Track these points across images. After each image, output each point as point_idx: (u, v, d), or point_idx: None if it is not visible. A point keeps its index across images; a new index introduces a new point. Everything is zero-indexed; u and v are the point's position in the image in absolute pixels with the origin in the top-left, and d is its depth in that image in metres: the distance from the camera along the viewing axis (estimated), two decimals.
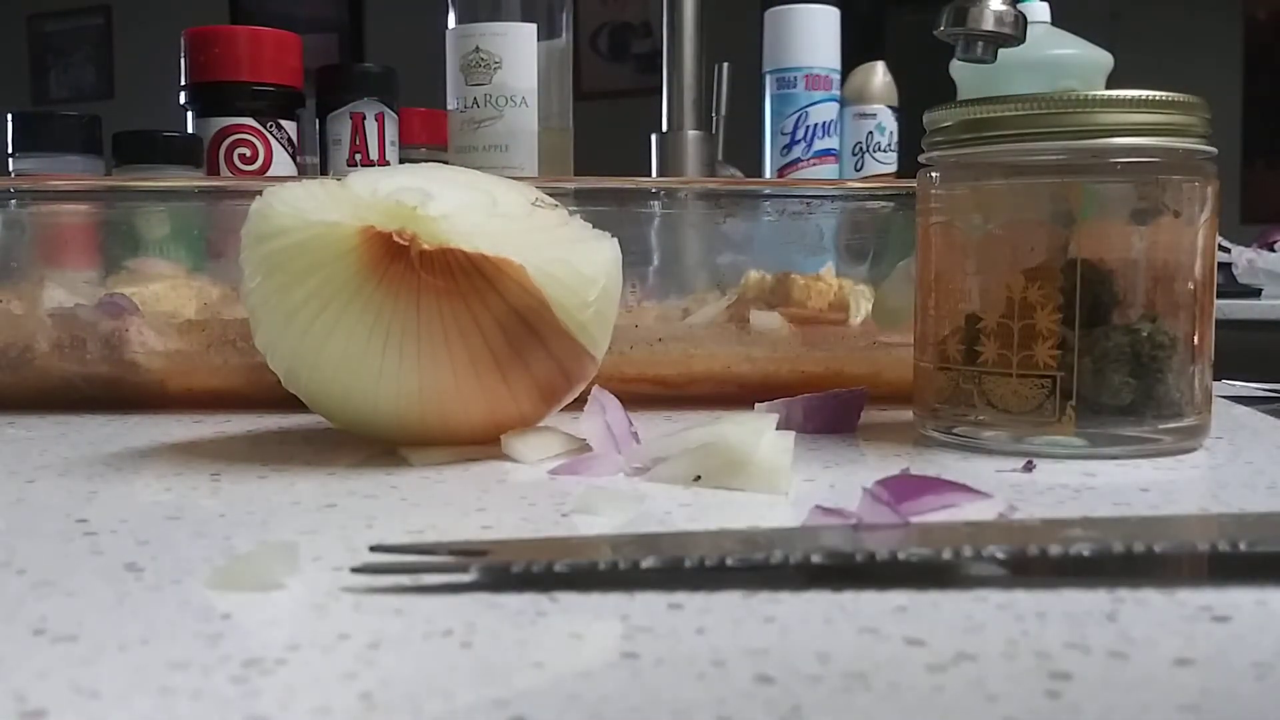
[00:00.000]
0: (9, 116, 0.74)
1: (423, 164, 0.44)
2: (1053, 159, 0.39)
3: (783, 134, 0.89)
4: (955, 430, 0.41)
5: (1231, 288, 1.64)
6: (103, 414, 0.49)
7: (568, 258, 0.38)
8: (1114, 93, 0.38)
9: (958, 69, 0.89)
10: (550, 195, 0.42)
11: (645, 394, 0.51)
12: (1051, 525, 0.28)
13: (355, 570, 0.25)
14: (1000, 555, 0.25)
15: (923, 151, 0.42)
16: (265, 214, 0.37)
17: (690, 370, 0.52)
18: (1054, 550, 0.25)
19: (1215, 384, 0.41)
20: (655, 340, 0.52)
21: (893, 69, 0.99)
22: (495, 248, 0.36)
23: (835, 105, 0.91)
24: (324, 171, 0.72)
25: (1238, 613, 0.23)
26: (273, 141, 0.68)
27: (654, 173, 0.86)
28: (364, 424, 0.39)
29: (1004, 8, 0.57)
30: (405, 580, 0.24)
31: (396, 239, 0.36)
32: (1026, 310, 0.39)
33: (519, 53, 0.61)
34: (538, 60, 0.62)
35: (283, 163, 0.69)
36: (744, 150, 0.98)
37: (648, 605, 0.23)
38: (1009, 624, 0.22)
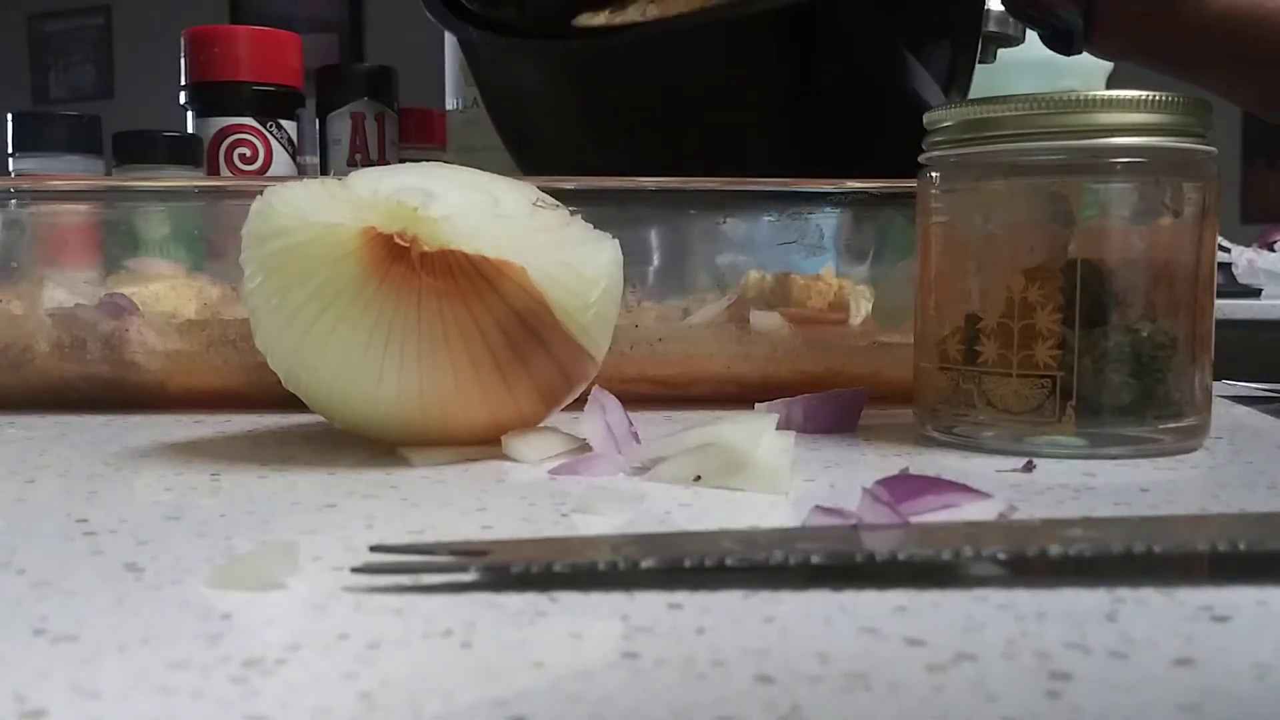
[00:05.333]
0: (9, 116, 0.74)
1: (424, 163, 0.44)
2: (1053, 159, 0.39)
3: None
4: (955, 430, 0.41)
5: (1231, 288, 1.64)
6: (103, 414, 0.49)
7: (569, 259, 0.38)
8: (1114, 93, 0.38)
9: None
10: (550, 195, 0.42)
11: (645, 394, 0.51)
12: (1051, 525, 0.28)
13: (355, 570, 0.25)
14: (1000, 555, 0.25)
15: (923, 151, 0.43)
16: (266, 214, 0.37)
17: (690, 370, 0.52)
18: (1054, 550, 0.25)
19: (1215, 384, 0.41)
20: (655, 340, 0.52)
21: None
22: (496, 249, 0.36)
23: None
24: (324, 171, 0.72)
25: (1238, 613, 0.23)
26: (273, 141, 0.69)
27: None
28: (364, 424, 0.39)
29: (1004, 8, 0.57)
30: (405, 580, 0.24)
31: (397, 240, 0.36)
32: (1026, 310, 0.39)
33: None
34: None
35: (283, 163, 0.69)
36: None
37: (648, 605, 0.23)
38: (1009, 624, 0.22)
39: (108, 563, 0.26)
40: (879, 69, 0.53)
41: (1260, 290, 1.68)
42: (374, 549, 0.26)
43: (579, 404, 0.40)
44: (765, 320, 0.52)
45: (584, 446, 0.39)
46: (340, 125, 0.71)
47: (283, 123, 0.69)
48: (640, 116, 0.55)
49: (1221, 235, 0.42)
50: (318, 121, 0.73)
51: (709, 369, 0.52)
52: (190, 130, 0.70)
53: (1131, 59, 0.55)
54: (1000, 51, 0.57)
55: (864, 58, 0.53)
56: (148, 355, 0.50)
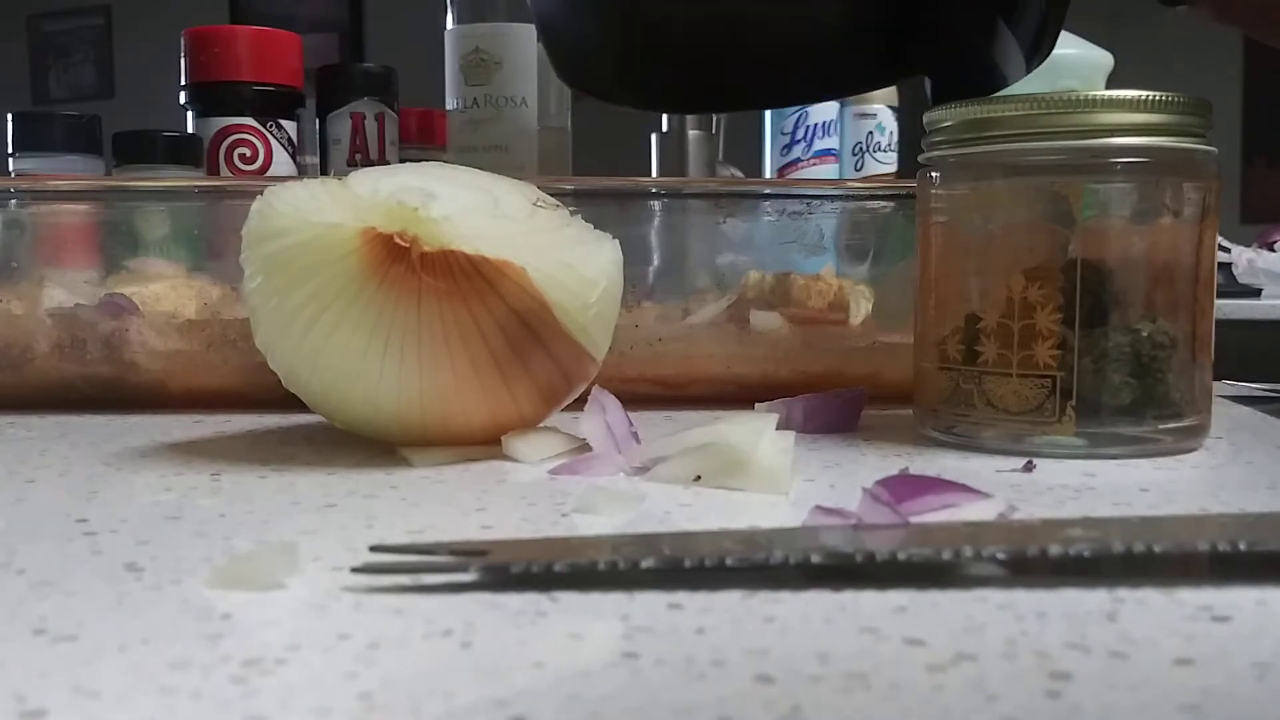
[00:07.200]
0: (9, 116, 0.74)
1: (424, 163, 0.44)
2: (1053, 159, 0.39)
3: (783, 134, 0.89)
4: (955, 430, 0.41)
5: (1231, 288, 1.64)
6: (103, 414, 0.49)
7: (569, 260, 0.38)
8: (1114, 93, 0.38)
9: None
10: (550, 195, 0.42)
11: (645, 394, 0.51)
12: (1051, 525, 0.28)
13: (355, 570, 0.25)
14: (1000, 555, 0.25)
15: (923, 151, 0.42)
16: (266, 214, 0.37)
17: (690, 370, 0.52)
18: (1054, 550, 0.25)
19: (1215, 384, 0.41)
20: (655, 340, 0.52)
21: None
22: (496, 250, 0.36)
23: (835, 105, 0.91)
24: (324, 171, 0.72)
25: (1238, 613, 0.23)
26: (273, 141, 0.68)
27: (654, 173, 0.86)
28: (365, 424, 0.39)
29: None
30: (405, 580, 0.24)
31: (398, 241, 0.36)
32: (1026, 310, 0.39)
33: (518, 53, 0.61)
34: (537, 60, 0.62)
35: (283, 163, 0.69)
36: (744, 150, 0.98)
37: (648, 605, 0.23)
38: (1009, 624, 0.22)
39: (108, 563, 0.26)
40: None
41: (1260, 290, 1.68)
42: (374, 549, 0.26)
43: (579, 404, 0.40)
44: (765, 320, 0.52)
45: (584, 446, 0.39)
46: (340, 125, 0.71)
47: (283, 123, 0.69)
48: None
49: (1221, 235, 0.42)
50: (318, 121, 0.73)
51: (709, 369, 0.52)
52: (190, 130, 0.70)
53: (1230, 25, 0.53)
54: None
55: None
56: (148, 355, 0.50)
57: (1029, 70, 0.49)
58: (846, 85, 0.55)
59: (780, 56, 0.50)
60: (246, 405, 0.50)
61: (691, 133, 0.85)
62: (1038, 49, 0.49)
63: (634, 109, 0.57)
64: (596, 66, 0.55)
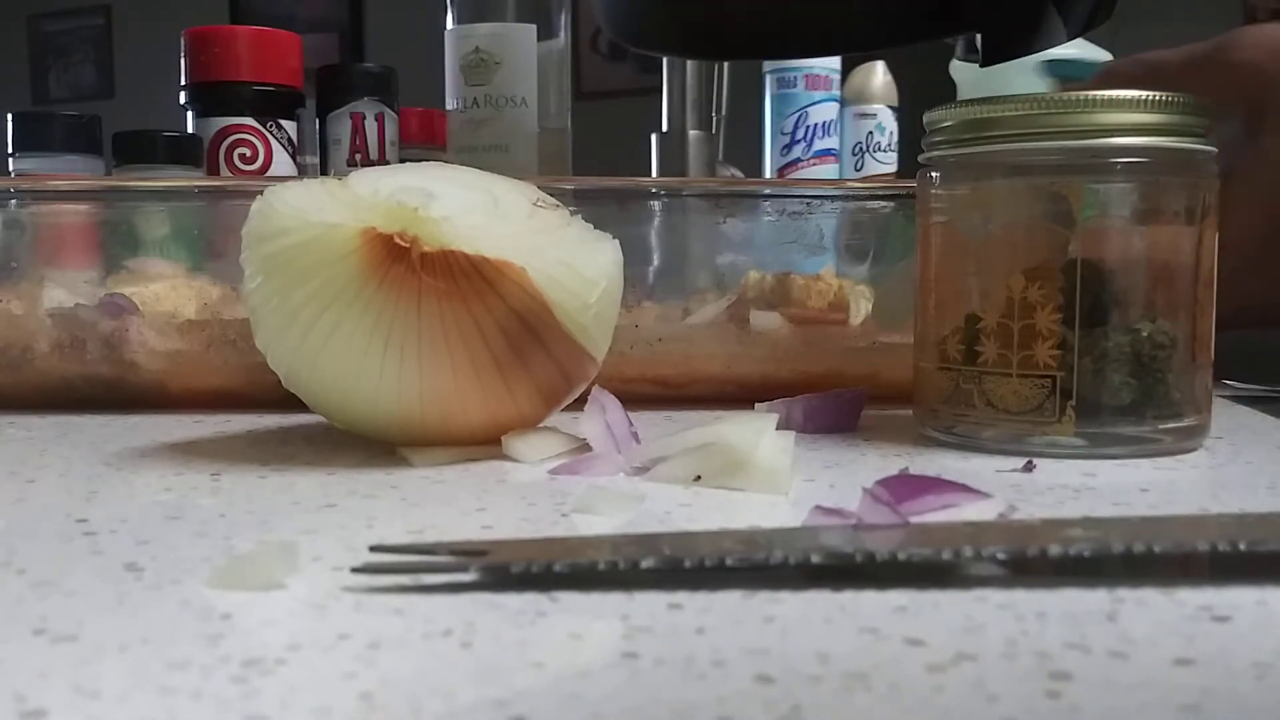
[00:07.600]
0: (9, 116, 0.74)
1: (424, 163, 0.44)
2: (1053, 159, 0.39)
3: (783, 134, 0.90)
4: (955, 430, 0.41)
5: None
6: (103, 414, 0.49)
7: (569, 260, 0.38)
8: (1114, 93, 0.38)
9: (958, 69, 0.89)
10: (550, 195, 0.42)
11: (645, 394, 0.51)
12: (1051, 525, 0.28)
13: (355, 570, 0.25)
14: (1000, 555, 0.25)
15: (923, 151, 0.43)
16: (266, 214, 0.37)
17: (690, 370, 0.52)
18: (1054, 550, 0.25)
19: (1215, 384, 0.41)
20: (655, 340, 0.52)
21: (893, 69, 0.99)
22: (497, 250, 0.36)
23: (835, 105, 0.91)
24: (324, 171, 0.72)
25: (1238, 613, 0.23)
26: (273, 141, 0.69)
27: (654, 173, 0.86)
28: (365, 424, 0.39)
29: None
30: (405, 580, 0.24)
31: (398, 241, 0.36)
32: (1026, 310, 0.39)
33: (518, 53, 0.61)
34: (537, 60, 0.62)
35: (283, 163, 0.69)
36: (744, 150, 0.98)
37: (648, 605, 0.23)
38: (1009, 624, 0.22)
39: (108, 563, 0.26)
40: None
41: None
42: (374, 549, 0.26)
43: (579, 404, 0.40)
44: (765, 320, 0.52)
45: (584, 446, 0.39)
46: (340, 125, 0.71)
47: (283, 123, 0.69)
48: None
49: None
50: (318, 121, 0.73)
51: (709, 369, 0.52)
52: (190, 130, 0.70)
53: None
54: None
55: None
56: (148, 355, 0.50)
57: (1084, 31, 0.49)
58: (900, 36, 0.56)
59: (836, 6, 0.51)
60: (246, 405, 0.50)
61: (691, 133, 0.85)
62: (1096, 12, 0.49)
63: (692, 59, 0.58)
64: (654, 20, 0.55)
